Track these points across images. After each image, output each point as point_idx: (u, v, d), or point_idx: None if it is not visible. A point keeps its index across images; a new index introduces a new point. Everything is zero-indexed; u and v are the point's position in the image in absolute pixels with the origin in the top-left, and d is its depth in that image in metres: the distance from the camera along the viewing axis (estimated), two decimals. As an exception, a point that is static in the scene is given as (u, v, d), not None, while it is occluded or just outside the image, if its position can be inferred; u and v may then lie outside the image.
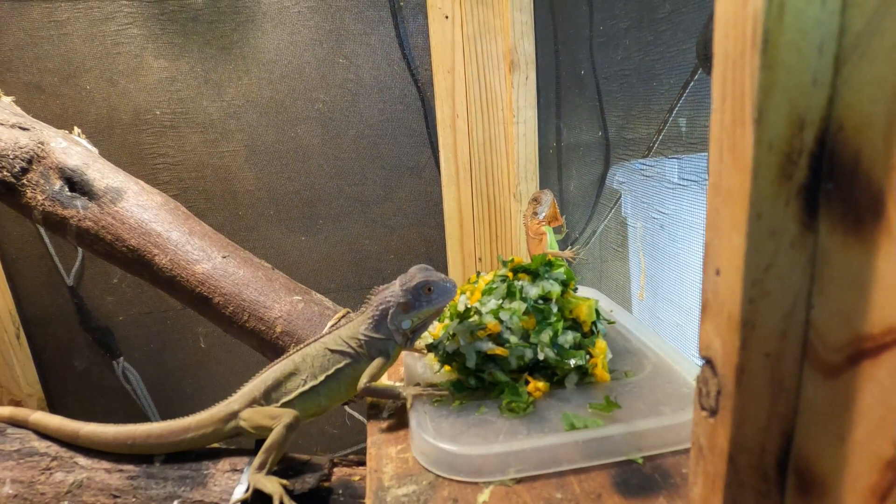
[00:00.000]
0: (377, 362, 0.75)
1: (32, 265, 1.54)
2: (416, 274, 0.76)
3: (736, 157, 0.35)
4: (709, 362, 0.41)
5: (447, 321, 0.77)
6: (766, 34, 0.31)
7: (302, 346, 0.81)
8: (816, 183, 0.34)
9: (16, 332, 1.50)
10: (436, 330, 0.80)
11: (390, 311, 0.76)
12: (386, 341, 0.76)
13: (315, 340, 0.81)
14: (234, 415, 0.77)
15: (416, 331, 0.77)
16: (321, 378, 0.76)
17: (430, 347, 0.75)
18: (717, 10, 0.35)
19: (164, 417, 1.70)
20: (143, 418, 1.69)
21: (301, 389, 0.76)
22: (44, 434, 0.76)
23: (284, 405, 0.76)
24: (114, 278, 1.60)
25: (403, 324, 0.75)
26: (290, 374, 0.78)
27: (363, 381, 0.74)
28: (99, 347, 1.62)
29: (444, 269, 1.73)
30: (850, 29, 0.31)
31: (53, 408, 1.62)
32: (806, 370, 0.38)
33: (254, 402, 0.77)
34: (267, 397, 0.77)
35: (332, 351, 0.77)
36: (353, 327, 0.79)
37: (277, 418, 0.73)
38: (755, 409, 0.39)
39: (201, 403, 1.85)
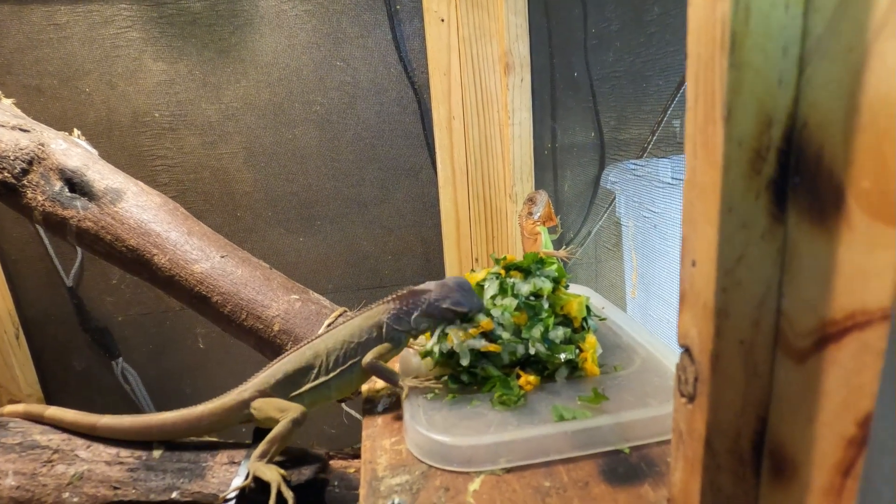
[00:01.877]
0: (386, 345, 0.78)
1: (32, 266, 1.56)
2: (454, 291, 0.77)
3: (708, 153, 0.36)
4: (687, 350, 0.42)
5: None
6: (733, 37, 0.33)
7: (314, 337, 0.82)
8: (785, 177, 0.36)
9: (15, 332, 1.52)
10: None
11: (416, 312, 0.77)
12: (401, 332, 0.78)
13: (330, 331, 0.82)
14: (245, 403, 0.80)
15: (429, 329, 0.79)
16: (334, 372, 0.78)
17: (425, 354, 0.77)
18: (689, 13, 0.37)
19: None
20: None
21: (313, 383, 0.78)
22: (60, 427, 0.78)
23: (294, 396, 0.78)
24: (113, 279, 1.61)
25: (422, 325, 0.77)
26: (303, 367, 0.79)
27: (368, 358, 0.76)
28: (98, 348, 1.63)
29: (442, 270, 1.75)
30: (811, 32, 0.33)
31: (53, 408, 1.63)
32: (778, 356, 0.40)
33: (264, 393, 0.79)
34: (277, 388, 0.79)
35: (349, 343, 0.79)
36: (374, 314, 0.80)
37: (286, 412, 0.75)
38: (730, 394, 0.41)
39: (200, 403, 1.85)
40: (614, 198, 1.30)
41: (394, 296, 0.82)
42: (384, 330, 0.78)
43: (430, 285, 0.80)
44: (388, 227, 1.74)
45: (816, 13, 0.33)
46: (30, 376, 1.56)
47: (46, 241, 1.54)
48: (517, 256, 1.72)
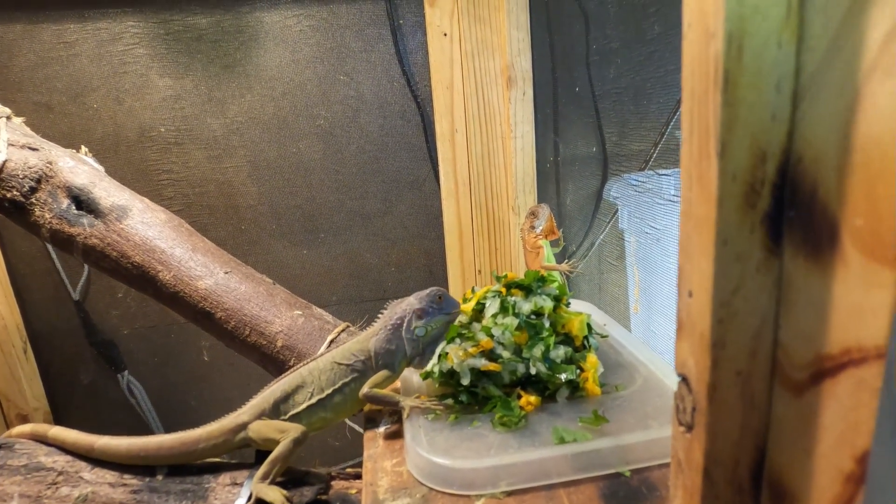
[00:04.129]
0: (382, 373, 0.79)
1: (40, 280, 1.57)
2: (428, 289, 0.83)
3: (703, 187, 0.37)
4: (684, 379, 0.42)
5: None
6: (726, 74, 0.33)
7: (310, 360, 0.83)
8: (780, 211, 0.36)
9: (23, 346, 1.53)
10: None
11: (406, 318, 0.80)
12: (395, 353, 0.79)
13: (323, 355, 0.83)
14: (243, 426, 0.80)
15: (427, 347, 0.80)
16: (328, 392, 0.79)
17: (425, 376, 0.77)
18: (683, 49, 0.37)
19: (167, 430, 1.72)
20: (148, 431, 1.71)
21: (308, 403, 0.79)
22: (61, 447, 0.79)
23: (292, 418, 0.79)
24: (119, 293, 1.62)
25: (418, 331, 0.79)
26: (298, 388, 0.80)
27: (365, 389, 0.77)
28: (104, 361, 1.64)
29: (445, 281, 1.75)
30: (804, 69, 0.33)
31: (59, 421, 1.64)
32: (775, 387, 0.39)
33: (262, 415, 0.79)
34: (275, 410, 0.80)
35: (340, 365, 0.80)
36: (363, 339, 0.82)
37: (285, 432, 0.75)
38: (728, 424, 0.40)
39: (205, 416, 1.86)
40: (616, 210, 1.30)
41: (378, 317, 0.84)
42: (373, 352, 0.79)
43: (406, 298, 0.84)
44: (391, 239, 1.74)
45: (809, 51, 0.33)
46: (37, 390, 1.57)
47: (54, 256, 1.55)
48: (520, 268, 1.73)
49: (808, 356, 0.36)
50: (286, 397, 0.80)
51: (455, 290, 1.74)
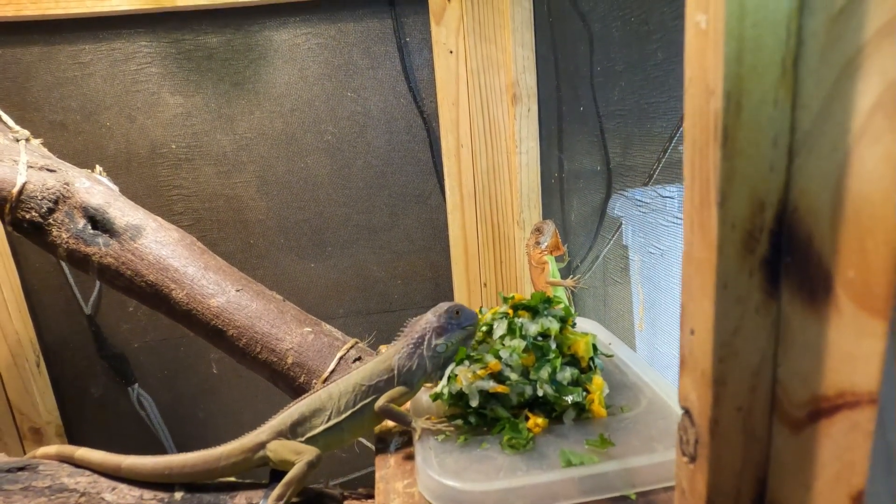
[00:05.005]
0: (399, 389, 0.81)
1: (53, 295, 1.60)
2: (444, 304, 0.84)
3: (704, 232, 0.39)
4: (687, 412, 0.44)
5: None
6: (725, 130, 0.35)
7: (330, 383, 0.85)
8: (777, 256, 0.38)
9: (36, 360, 1.56)
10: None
11: (426, 336, 0.81)
12: (415, 371, 0.81)
13: (344, 378, 0.85)
14: (262, 445, 0.82)
15: (445, 362, 0.81)
16: (346, 414, 0.81)
17: (435, 397, 0.79)
18: (685, 103, 0.39)
19: (177, 442, 1.75)
20: (158, 444, 1.73)
21: (326, 425, 0.81)
22: (88, 467, 0.82)
23: (309, 439, 0.81)
24: (129, 307, 1.65)
25: (438, 347, 0.80)
26: (317, 410, 0.82)
27: (381, 402, 0.79)
28: (114, 374, 1.66)
29: (451, 294, 1.77)
30: (799, 127, 0.35)
31: (70, 434, 1.66)
32: (775, 423, 0.41)
33: (280, 435, 0.82)
34: (293, 431, 0.82)
35: (363, 386, 0.82)
36: (384, 359, 0.84)
37: (301, 454, 0.77)
38: (730, 457, 0.42)
39: (213, 428, 1.88)
40: (620, 224, 1.32)
41: (397, 336, 0.85)
42: (396, 371, 0.81)
43: (424, 315, 0.85)
44: (397, 252, 1.76)
45: (803, 109, 0.35)
46: (49, 403, 1.60)
47: (67, 271, 1.58)
48: (525, 281, 1.74)
49: (806, 395, 0.38)
50: (304, 420, 0.82)
51: (461, 302, 1.75)
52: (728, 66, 0.34)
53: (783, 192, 0.37)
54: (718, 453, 0.42)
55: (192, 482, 0.83)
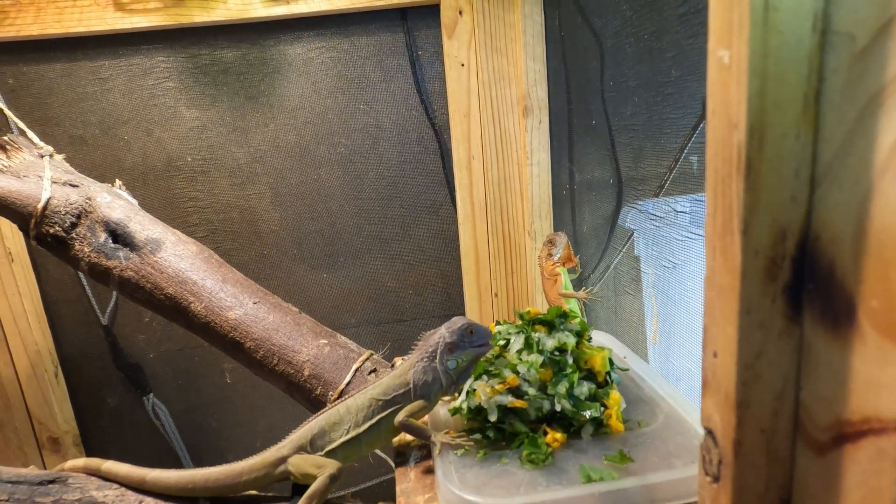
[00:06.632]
0: (418, 403, 0.82)
1: (70, 306, 1.62)
2: (459, 319, 0.85)
3: (726, 259, 0.40)
4: (710, 433, 0.45)
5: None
6: (748, 162, 0.36)
7: (346, 395, 0.87)
8: (800, 283, 0.39)
9: (55, 370, 1.58)
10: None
11: (438, 350, 0.82)
12: (431, 385, 0.82)
13: (362, 391, 0.86)
14: (283, 460, 0.84)
15: (459, 377, 0.82)
16: (364, 427, 0.82)
17: (454, 411, 0.80)
18: (708, 133, 0.40)
19: (191, 452, 1.77)
20: (172, 453, 1.74)
21: (344, 438, 0.82)
22: (114, 480, 0.84)
23: (329, 452, 0.82)
24: (145, 317, 1.67)
25: (450, 363, 0.81)
26: (335, 424, 0.84)
27: (401, 417, 0.80)
28: (130, 384, 1.68)
29: (462, 304, 1.78)
30: (821, 159, 0.36)
31: (87, 444, 1.68)
32: (798, 445, 0.42)
33: (301, 449, 0.83)
34: (313, 444, 0.83)
35: (380, 400, 0.83)
36: (400, 374, 0.85)
37: (322, 468, 0.79)
38: (753, 478, 0.43)
39: (226, 437, 1.90)
40: (631, 234, 1.32)
41: (412, 349, 0.86)
42: (412, 384, 0.82)
43: (439, 329, 0.86)
44: (409, 262, 1.78)
45: (825, 142, 0.36)
46: (67, 413, 1.62)
47: (84, 282, 1.61)
48: (536, 292, 1.75)
49: (829, 419, 0.38)
50: (323, 433, 0.83)
51: (471, 313, 1.76)
52: (751, 102, 0.36)
53: (805, 221, 0.38)
54: (742, 474, 0.43)
55: (216, 496, 0.84)
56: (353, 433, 0.82)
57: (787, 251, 0.39)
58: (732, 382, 0.41)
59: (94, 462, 0.86)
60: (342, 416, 0.84)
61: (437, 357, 0.82)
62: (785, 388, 0.41)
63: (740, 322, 0.40)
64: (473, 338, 0.82)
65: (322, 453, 0.82)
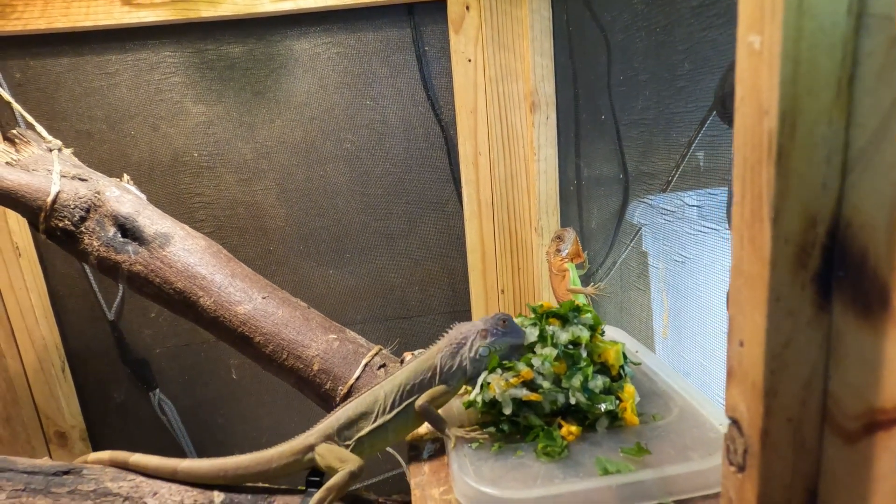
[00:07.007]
0: (441, 388, 0.82)
1: (77, 301, 1.62)
2: (497, 313, 0.86)
3: (755, 248, 0.39)
4: (735, 422, 0.45)
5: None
6: (780, 149, 0.36)
7: (375, 385, 0.87)
8: (829, 270, 0.39)
9: (61, 365, 1.58)
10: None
11: (470, 338, 0.82)
12: (456, 371, 0.82)
13: (387, 378, 0.87)
14: (311, 448, 0.85)
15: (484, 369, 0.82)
16: (391, 414, 0.82)
17: (468, 404, 0.80)
18: (736, 121, 0.40)
19: (197, 447, 1.77)
20: (178, 448, 1.74)
21: (372, 426, 0.83)
22: (143, 472, 0.85)
23: (357, 441, 0.83)
24: (151, 313, 1.67)
25: (482, 351, 0.81)
26: (363, 413, 0.84)
27: (422, 401, 0.80)
28: (136, 379, 1.68)
29: (468, 301, 1.78)
30: (854, 144, 0.36)
31: (94, 439, 1.68)
32: (826, 434, 0.42)
33: (329, 438, 0.84)
34: (340, 434, 0.84)
35: (405, 385, 0.83)
36: (427, 358, 0.85)
37: (345, 463, 0.79)
38: (780, 467, 0.43)
39: (232, 434, 1.90)
40: (639, 230, 1.32)
41: (441, 336, 0.86)
42: (438, 368, 0.82)
43: (473, 321, 0.87)
44: (415, 259, 1.78)
45: (858, 128, 0.36)
46: (74, 408, 1.62)
47: (91, 277, 1.61)
48: (543, 289, 1.74)
49: (860, 408, 0.38)
50: (351, 423, 0.84)
51: (478, 310, 1.76)
52: (784, 88, 0.35)
53: (836, 208, 0.38)
54: (768, 463, 0.42)
55: (242, 484, 0.85)
56: (380, 420, 0.82)
57: (818, 238, 0.38)
58: (760, 371, 0.41)
59: (121, 455, 0.87)
60: (369, 404, 0.84)
61: (468, 343, 0.82)
62: (813, 376, 0.41)
63: (769, 310, 0.39)
64: (507, 329, 0.82)
65: (350, 442, 0.82)
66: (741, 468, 0.45)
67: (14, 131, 1.12)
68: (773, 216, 0.37)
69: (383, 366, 1.12)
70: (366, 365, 1.12)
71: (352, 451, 0.83)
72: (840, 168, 0.37)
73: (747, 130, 0.39)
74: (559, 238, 1.35)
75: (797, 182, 0.37)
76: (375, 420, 0.82)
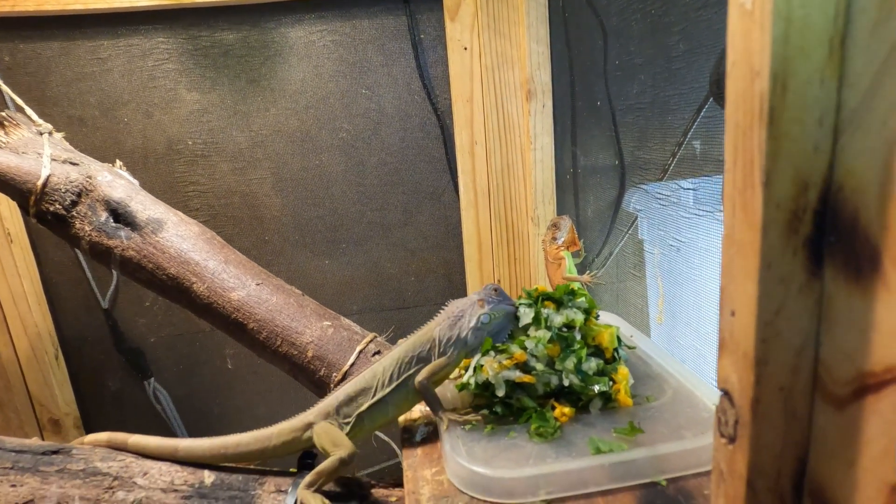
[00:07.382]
0: (440, 361, 0.81)
1: (71, 289, 1.61)
2: (487, 285, 0.87)
3: (747, 214, 0.39)
4: (726, 394, 0.45)
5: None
6: (771, 111, 0.36)
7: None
8: (821, 235, 0.39)
9: (55, 353, 1.57)
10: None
11: (468, 310, 0.82)
12: (456, 342, 0.81)
13: (387, 354, 0.86)
14: (310, 426, 0.84)
15: (490, 333, 0.81)
16: (390, 388, 0.81)
17: (461, 387, 0.79)
18: (727, 85, 0.39)
19: (192, 436, 1.76)
20: (172, 437, 1.74)
21: (371, 401, 0.82)
22: (142, 453, 0.85)
23: (357, 416, 0.82)
24: (146, 301, 1.66)
25: (483, 318, 0.81)
26: (363, 389, 0.84)
27: (421, 376, 0.79)
28: (131, 368, 1.68)
29: (464, 290, 1.77)
30: (846, 105, 0.36)
31: (88, 427, 1.68)
32: (817, 401, 0.41)
33: (327, 416, 0.83)
34: (338, 412, 0.83)
35: (403, 359, 0.83)
36: (426, 332, 0.85)
37: (338, 448, 0.78)
38: (770, 437, 0.42)
39: (227, 423, 1.90)
40: (635, 219, 1.32)
41: (437, 314, 0.87)
42: (437, 341, 0.81)
43: (468, 296, 0.86)
44: (411, 249, 1.77)
45: (850, 88, 0.35)
46: (67, 395, 1.61)
47: (84, 265, 1.60)
48: (539, 278, 1.74)
49: (850, 373, 0.38)
50: (350, 400, 0.83)
51: (474, 299, 1.75)
52: (775, 48, 0.35)
53: (827, 172, 0.38)
54: (759, 433, 0.42)
55: (243, 462, 0.86)
56: (380, 394, 0.81)
57: (809, 203, 0.38)
58: (751, 340, 0.41)
59: (119, 436, 0.86)
60: (368, 380, 0.83)
61: (467, 316, 0.82)
62: (804, 344, 0.40)
63: (760, 278, 0.39)
64: (500, 297, 0.83)
65: (351, 418, 0.82)
66: (732, 439, 0.44)
67: (3, 113, 1.11)
68: (764, 181, 0.37)
69: (378, 353, 1.11)
70: (360, 352, 1.12)
71: (352, 427, 0.82)
72: (832, 130, 0.37)
73: (739, 95, 0.38)
74: (555, 226, 1.35)
75: (789, 145, 0.37)
76: (375, 395, 0.82)
